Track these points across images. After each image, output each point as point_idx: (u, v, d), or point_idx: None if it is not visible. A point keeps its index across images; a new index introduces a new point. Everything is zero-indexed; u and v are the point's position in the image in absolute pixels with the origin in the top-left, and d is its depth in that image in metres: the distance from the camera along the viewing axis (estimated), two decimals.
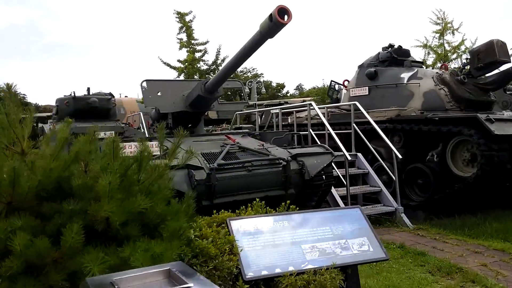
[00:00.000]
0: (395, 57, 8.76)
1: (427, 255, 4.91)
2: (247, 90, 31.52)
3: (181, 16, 20.39)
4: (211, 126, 14.73)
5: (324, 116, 9.06)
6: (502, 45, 7.63)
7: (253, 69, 47.43)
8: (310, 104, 7.06)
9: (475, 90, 7.83)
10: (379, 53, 9.04)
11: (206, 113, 14.74)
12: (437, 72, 8.22)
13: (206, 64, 21.21)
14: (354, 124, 7.45)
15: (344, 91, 9.57)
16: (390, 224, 6.45)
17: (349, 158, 6.15)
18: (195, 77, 19.46)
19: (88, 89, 12.66)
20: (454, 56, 23.49)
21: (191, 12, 20.49)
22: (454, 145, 6.75)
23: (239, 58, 4.73)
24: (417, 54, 21.85)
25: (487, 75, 7.89)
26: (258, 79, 46.40)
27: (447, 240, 5.60)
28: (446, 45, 22.31)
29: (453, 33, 22.45)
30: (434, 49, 22.15)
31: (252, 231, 3.18)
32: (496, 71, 7.93)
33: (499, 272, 4.46)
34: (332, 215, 3.65)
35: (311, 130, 7.01)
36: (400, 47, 8.81)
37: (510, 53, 9.39)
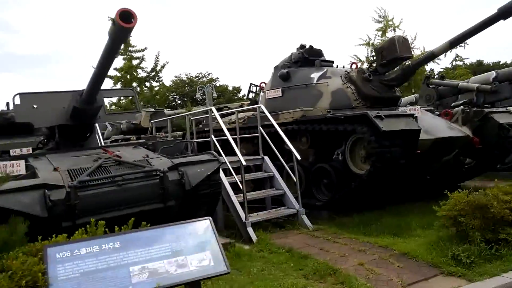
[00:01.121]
0: (307, 57, 8.78)
1: (310, 258, 4.88)
2: (198, 95, 31.23)
3: None
4: (143, 135, 14.34)
5: (243, 120, 9.12)
6: (404, 41, 7.78)
7: (209, 73, 47.07)
8: (211, 110, 6.92)
9: (380, 87, 7.95)
10: (292, 53, 9.04)
11: (130, 122, 14.44)
12: (345, 71, 8.30)
13: (145, 71, 20.79)
14: (260, 128, 7.39)
15: (261, 93, 9.51)
16: (291, 227, 6.41)
17: (244, 163, 6.05)
18: (133, 85, 19.05)
19: (7, 104, 12.04)
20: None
21: None
22: (352, 143, 6.80)
23: (100, 67, 4.52)
24: (361, 52, 22.37)
25: (391, 71, 8.02)
26: (214, 83, 46.20)
27: (339, 240, 5.60)
28: None
29: (394, 30, 23.15)
30: (377, 47, 22.74)
31: (73, 258, 2.98)
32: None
33: (374, 270, 4.47)
34: (178, 230, 3.51)
35: (213, 137, 6.87)
36: (311, 47, 8.83)
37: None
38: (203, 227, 3.60)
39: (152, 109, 16.04)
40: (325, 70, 8.34)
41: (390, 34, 23.29)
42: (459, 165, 8.19)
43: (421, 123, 6.95)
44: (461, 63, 27.96)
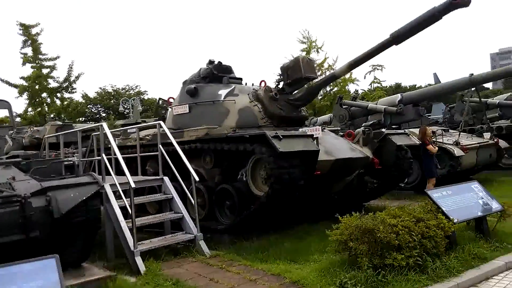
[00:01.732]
0: (215, 73, 8.50)
1: None
2: (121, 108, 29.78)
3: (25, 28, 18.36)
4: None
5: (150, 137, 8.58)
6: (308, 62, 7.79)
7: (136, 86, 45.52)
8: (102, 126, 6.32)
9: (286, 106, 7.87)
10: (200, 69, 8.72)
11: (33, 136, 13.17)
12: (253, 89, 8.13)
13: (57, 81, 19.33)
14: (160, 146, 6.90)
15: (169, 109, 9.05)
16: (187, 254, 5.97)
17: (132, 185, 5.52)
18: (43, 95, 17.58)
19: None
20: (319, 73, 25.16)
21: (39, 24, 18.58)
22: (253, 164, 6.57)
23: None
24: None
25: (296, 91, 7.98)
26: (142, 96, 44.69)
27: (233, 268, 5.25)
28: None
29: (317, 51, 24.06)
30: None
31: None
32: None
33: None
34: (11, 271, 2.94)
35: (103, 155, 6.26)
36: (220, 63, 8.58)
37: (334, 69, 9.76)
38: (47, 266, 3.06)
39: (59, 122, 14.83)
40: (233, 87, 8.12)
41: (313, 55, 24.19)
42: (363, 185, 8.32)
43: (323, 144, 6.94)
44: (379, 85, 29.60)
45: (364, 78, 28.76)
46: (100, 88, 42.51)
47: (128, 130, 9.43)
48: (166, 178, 6.86)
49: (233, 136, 6.67)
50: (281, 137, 5.89)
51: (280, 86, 8.10)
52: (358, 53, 6.92)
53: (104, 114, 43.81)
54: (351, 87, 31.30)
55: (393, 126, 12.60)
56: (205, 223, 7.20)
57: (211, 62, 8.62)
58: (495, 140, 11.63)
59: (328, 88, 25.93)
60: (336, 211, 5.04)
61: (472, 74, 10.94)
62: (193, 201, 6.25)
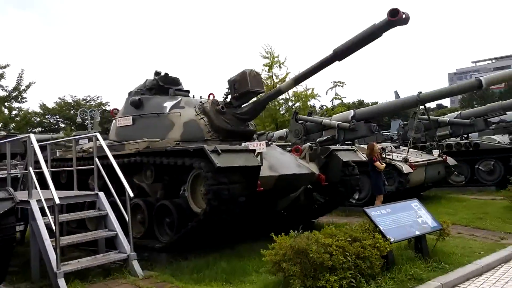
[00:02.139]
0: (162, 85, 8.23)
1: None
2: (79, 119, 28.74)
3: None
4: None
5: (91, 149, 8.14)
6: (256, 75, 7.67)
7: (98, 97, 44.37)
8: (29, 137, 5.90)
9: (233, 120, 7.69)
10: (146, 80, 8.43)
11: None
12: (200, 102, 7.91)
13: (5, 91, 18.39)
14: (96, 159, 6.51)
15: (114, 121, 8.66)
16: (118, 275, 5.59)
17: (57, 201, 5.12)
18: None
19: None
20: None
21: None
22: (193, 179, 6.30)
23: None
24: None
25: (244, 105, 7.83)
26: (103, 107, 43.43)
27: None
28: (274, 77, 23.98)
29: (279, 67, 24.19)
30: (264, 81, 23.71)
31: None
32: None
33: None
34: None
35: (31, 169, 5.82)
36: (166, 74, 8.32)
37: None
38: None
39: (4, 133, 14.04)
40: (179, 99, 7.86)
41: (276, 70, 24.31)
42: (311, 202, 8.21)
43: (267, 159, 6.79)
44: (339, 101, 30.04)
45: (326, 94, 29.19)
46: (60, 98, 40.98)
47: (80, 141, 8.96)
48: (101, 194, 6.47)
49: (172, 150, 6.40)
50: (220, 151, 5.67)
51: (228, 99, 7.94)
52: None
53: (63, 125, 42.32)
54: (314, 103, 31.80)
55: (347, 142, 12.70)
56: (144, 241, 6.86)
57: (157, 73, 8.35)
58: (444, 157, 11.90)
59: (290, 103, 26.17)
60: (283, 228, 4.90)
61: (420, 92, 11.21)
62: (127, 218, 5.90)
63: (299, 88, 25.05)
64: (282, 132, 14.41)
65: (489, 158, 14.19)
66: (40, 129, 40.47)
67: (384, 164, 8.98)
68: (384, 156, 10.38)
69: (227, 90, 7.98)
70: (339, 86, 29.43)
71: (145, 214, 6.95)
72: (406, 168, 10.02)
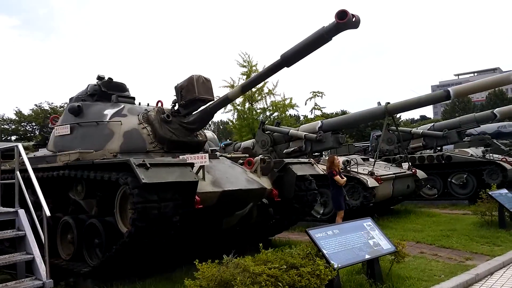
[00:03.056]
0: (104, 90, 7.57)
1: None
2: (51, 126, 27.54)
3: None
4: None
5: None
6: (204, 82, 7.07)
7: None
8: None
9: (179, 129, 7.06)
10: (88, 85, 7.75)
11: None
12: (145, 110, 7.26)
13: None
14: (18, 172, 5.78)
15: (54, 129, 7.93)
16: None
17: None
18: None
19: None
20: (259, 97, 24.82)
21: None
22: (121, 196, 5.63)
23: None
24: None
25: (192, 114, 7.21)
26: None
27: None
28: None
29: None
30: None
31: None
32: None
33: None
34: None
35: None
36: (110, 79, 7.66)
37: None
38: None
39: None
40: (121, 106, 7.20)
41: None
42: (266, 218, 7.59)
43: (211, 173, 6.18)
44: (319, 112, 29.66)
45: (305, 104, 28.78)
46: (36, 105, 39.63)
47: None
48: (21, 211, 5.73)
49: (99, 163, 5.72)
50: (149, 165, 5.03)
51: (176, 107, 7.31)
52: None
53: (37, 132, 41.00)
54: (292, 113, 31.33)
55: (315, 154, 12.18)
56: (72, 264, 6.14)
57: (100, 77, 7.68)
58: (413, 170, 11.45)
59: (268, 113, 25.69)
60: (236, 246, 4.29)
61: (388, 103, 10.77)
62: (43, 239, 5.18)
63: (277, 97, 24.71)
64: (249, 143, 13.80)
65: (461, 171, 13.85)
66: (15, 137, 39.11)
67: (345, 178, 8.44)
68: (348, 169, 9.87)
69: (174, 97, 7.36)
70: (318, 96, 29.21)
71: (74, 233, 6.24)
72: (371, 182, 9.50)
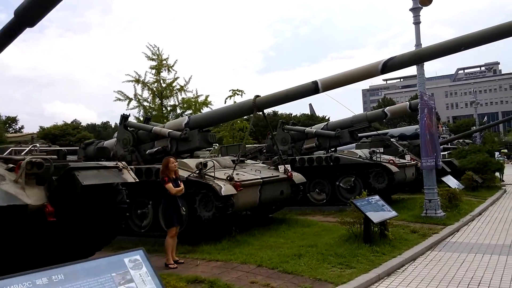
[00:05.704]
0: None
1: None
2: None
3: None
4: None
5: None
6: None
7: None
8: None
9: None
10: None
11: None
12: None
13: None
14: None
15: None
16: None
17: None
18: None
19: None
20: (168, 93, 22.60)
21: None
22: None
23: None
24: (130, 90, 20.39)
25: None
26: None
27: None
28: (162, 82, 21.38)
29: (168, 70, 21.55)
30: (148, 85, 21.03)
31: None
32: None
33: None
34: None
35: None
36: None
37: None
38: None
39: None
40: None
41: (164, 74, 21.65)
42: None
43: None
44: None
45: (225, 102, 26.90)
46: None
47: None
48: None
49: None
50: None
51: None
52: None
53: None
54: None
55: (183, 155, 10.46)
56: None
57: None
58: (289, 173, 10.11)
59: (179, 111, 23.65)
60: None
61: (257, 96, 9.32)
62: None
63: (188, 94, 22.73)
64: (112, 141, 11.72)
65: (349, 175, 12.89)
66: None
67: (182, 187, 6.77)
68: (203, 173, 8.24)
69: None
70: (237, 94, 27.50)
71: None
72: (226, 190, 7.90)
